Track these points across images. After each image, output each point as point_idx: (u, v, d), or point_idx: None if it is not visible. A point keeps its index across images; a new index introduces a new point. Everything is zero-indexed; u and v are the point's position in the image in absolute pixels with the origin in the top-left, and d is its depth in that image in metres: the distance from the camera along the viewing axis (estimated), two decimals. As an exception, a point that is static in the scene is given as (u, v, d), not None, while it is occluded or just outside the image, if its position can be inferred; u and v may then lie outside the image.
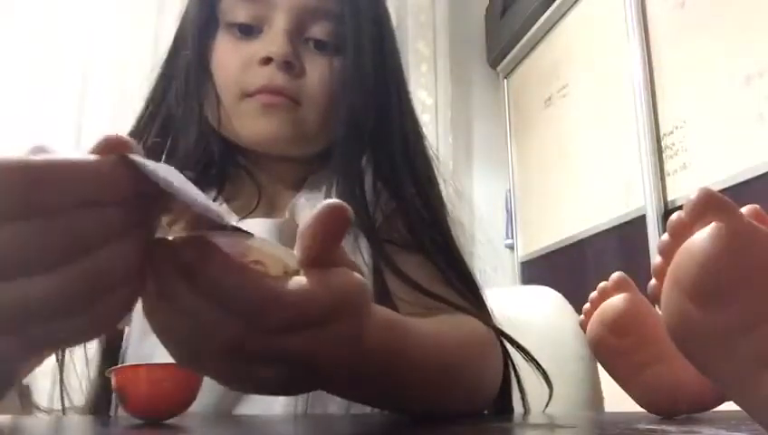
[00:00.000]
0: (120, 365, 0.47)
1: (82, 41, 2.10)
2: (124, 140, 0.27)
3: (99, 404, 0.66)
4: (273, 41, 0.65)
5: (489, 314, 0.65)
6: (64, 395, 0.64)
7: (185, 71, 0.70)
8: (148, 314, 0.30)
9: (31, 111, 2.02)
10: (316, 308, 0.30)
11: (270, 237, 0.65)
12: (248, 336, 0.29)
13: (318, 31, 0.67)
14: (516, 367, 0.66)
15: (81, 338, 0.30)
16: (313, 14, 0.66)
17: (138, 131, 0.72)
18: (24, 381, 0.65)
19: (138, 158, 0.27)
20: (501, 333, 0.64)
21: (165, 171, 0.27)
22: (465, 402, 0.56)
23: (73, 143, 2.01)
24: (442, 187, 0.73)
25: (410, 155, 0.71)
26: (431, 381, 0.48)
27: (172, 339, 0.30)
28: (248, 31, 0.67)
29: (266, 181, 0.72)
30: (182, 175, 0.28)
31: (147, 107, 0.73)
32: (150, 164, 0.27)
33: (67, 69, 2.08)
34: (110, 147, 0.27)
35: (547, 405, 0.67)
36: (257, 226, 0.66)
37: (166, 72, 0.73)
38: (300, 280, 0.30)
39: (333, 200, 0.31)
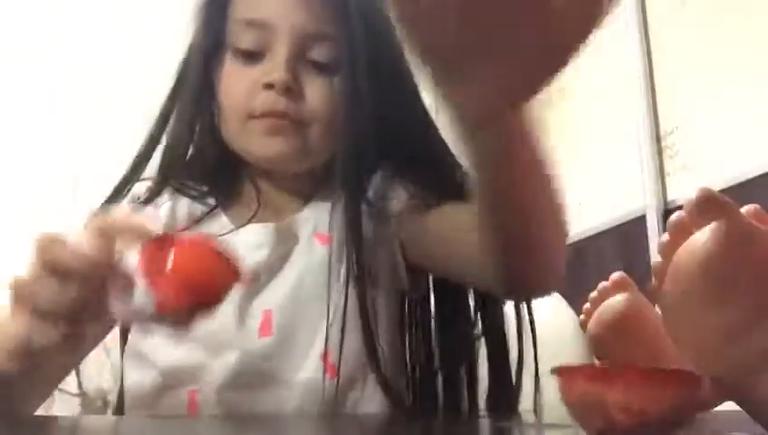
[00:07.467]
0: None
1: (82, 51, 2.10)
2: None
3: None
4: (275, 67, 0.68)
5: None
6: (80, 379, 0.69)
7: (192, 91, 0.73)
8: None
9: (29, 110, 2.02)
10: None
11: (264, 239, 0.69)
12: None
13: (317, 54, 0.70)
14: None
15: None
16: (313, 38, 0.70)
17: (143, 155, 0.74)
18: None
19: None
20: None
21: None
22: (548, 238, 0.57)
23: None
24: None
25: (436, 159, 0.72)
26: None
27: None
28: (252, 56, 0.70)
29: (272, 192, 0.75)
30: None
31: (154, 129, 0.75)
32: None
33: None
34: None
35: None
36: (254, 232, 0.70)
37: (172, 97, 0.76)
38: None
39: None
